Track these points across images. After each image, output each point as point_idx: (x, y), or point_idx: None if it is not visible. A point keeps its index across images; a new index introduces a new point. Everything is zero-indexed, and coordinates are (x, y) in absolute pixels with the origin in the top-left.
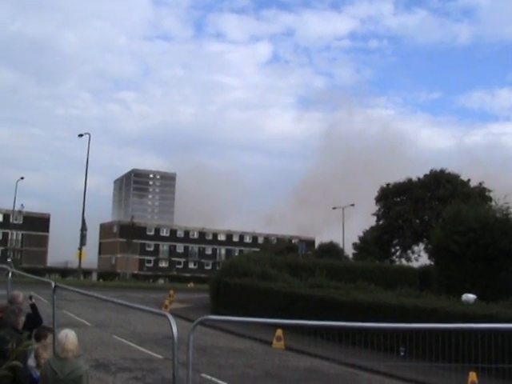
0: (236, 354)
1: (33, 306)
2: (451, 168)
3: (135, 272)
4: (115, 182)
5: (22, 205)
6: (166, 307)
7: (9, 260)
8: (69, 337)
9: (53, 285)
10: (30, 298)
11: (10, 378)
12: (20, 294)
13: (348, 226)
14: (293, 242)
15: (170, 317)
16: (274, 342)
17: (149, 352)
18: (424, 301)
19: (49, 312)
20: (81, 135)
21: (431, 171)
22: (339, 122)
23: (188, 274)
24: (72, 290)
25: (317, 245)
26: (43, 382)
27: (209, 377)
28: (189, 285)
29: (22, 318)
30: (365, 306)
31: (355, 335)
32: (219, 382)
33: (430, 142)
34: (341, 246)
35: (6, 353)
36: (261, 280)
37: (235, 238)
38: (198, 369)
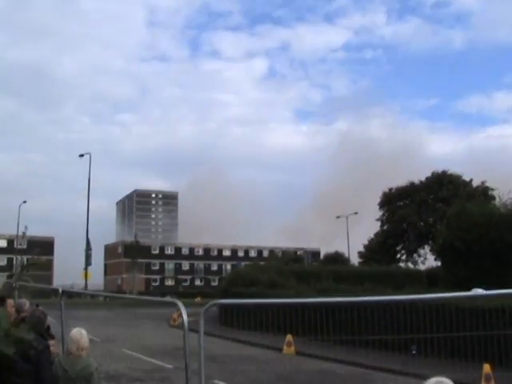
0: (247, 360)
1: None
2: (453, 169)
3: (142, 290)
4: (118, 203)
5: (25, 226)
6: (175, 321)
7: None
8: (83, 334)
9: (60, 290)
10: (37, 305)
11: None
12: (27, 302)
13: (355, 235)
14: (298, 253)
15: (180, 303)
16: (285, 347)
17: (159, 363)
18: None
19: (56, 330)
20: (82, 155)
21: (433, 173)
22: (339, 134)
23: (195, 291)
24: (80, 292)
25: (322, 255)
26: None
27: (222, 383)
28: (196, 299)
29: (47, 323)
30: (374, 307)
31: (363, 335)
32: None
33: (430, 149)
34: (346, 255)
35: (33, 358)
36: (268, 288)
37: (240, 253)
38: (210, 375)
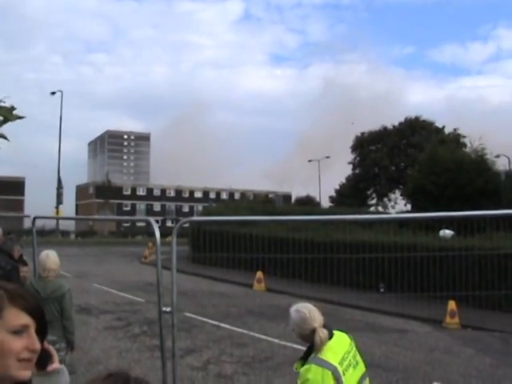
0: (218, 295)
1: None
2: (426, 116)
3: (113, 231)
4: (89, 144)
5: None
6: (146, 258)
7: None
8: (50, 256)
9: (32, 217)
10: (9, 233)
11: None
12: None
13: (329, 179)
14: (269, 196)
15: (153, 221)
16: (255, 284)
17: (130, 296)
18: (402, 237)
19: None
20: (53, 93)
21: (406, 119)
22: (315, 79)
23: (167, 232)
24: (52, 218)
25: (293, 199)
26: None
27: (193, 315)
28: (167, 239)
29: (18, 247)
30: (344, 246)
31: (334, 274)
32: (203, 319)
33: (405, 96)
34: (318, 199)
35: (0, 278)
36: (240, 227)
37: (212, 195)
38: (181, 308)
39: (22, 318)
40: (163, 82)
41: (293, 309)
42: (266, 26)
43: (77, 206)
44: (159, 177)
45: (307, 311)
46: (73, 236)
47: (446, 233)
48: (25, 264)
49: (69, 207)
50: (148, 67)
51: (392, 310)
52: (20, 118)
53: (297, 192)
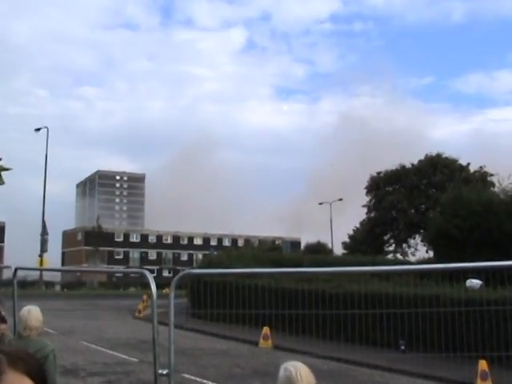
0: (220, 354)
1: None
2: (449, 153)
3: (104, 282)
4: (78, 185)
5: None
6: (140, 312)
7: None
8: (32, 312)
9: (13, 268)
10: None
11: None
12: None
13: (340, 223)
14: (276, 242)
15: (147, 272)
16: (261, 341)
17: (122, 356)
18: (424, 289)
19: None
20: (38, 129)
21: (426, 156)
22: (325, 114)
23: (163, 283)
24: (35, 269)
25: (303, 245)
26: None
27: (192, 377)
28: (164, 290)
29: None
30: (359, 298)
31: (348, 331)
32: (204, 381)
33: (424, 132)
34: (330, 246)
35: None
36: (244, 277)
37: (213, 242)
38: (179, 369)
39: (24, 382)
40: (159, 117)
41: (282, 366)
42: (271, 55)
43: (63, 253)
44: (155, 222)
45: (294, 370)
46: (58, 287)
47: (474, 283)
48: (3, 321)
49: (54, 255)
50: (143, 102)
51: (414, 370)
52: (6, 169)
53: (306, 238)
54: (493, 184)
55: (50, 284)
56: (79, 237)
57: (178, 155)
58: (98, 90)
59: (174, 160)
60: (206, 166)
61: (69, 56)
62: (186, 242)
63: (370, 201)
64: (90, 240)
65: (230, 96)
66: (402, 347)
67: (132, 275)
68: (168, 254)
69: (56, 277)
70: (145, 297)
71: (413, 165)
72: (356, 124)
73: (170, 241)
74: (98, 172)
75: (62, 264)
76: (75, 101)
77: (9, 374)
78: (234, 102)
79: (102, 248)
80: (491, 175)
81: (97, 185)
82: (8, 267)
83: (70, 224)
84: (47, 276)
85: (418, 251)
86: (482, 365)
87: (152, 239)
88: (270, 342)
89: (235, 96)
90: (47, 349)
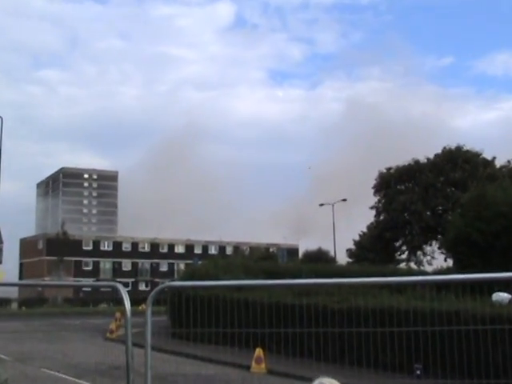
0: (206, 381)
1: None
2: (470, 145)
3: (69, 297)
4: (38, 185)
5: None
6: (112, 332)
7: None
8: None
9: None
10: None
11: None
12: None
13: (344, 228)
14: (271, 250)
15: (120, 286)
16: (253, 364)
17: None
18: (442, 303)
19: None
20: None
21: (444, 149)
22: (324, 101)
23: (139, 297)
24: None
25: (301, 253)
26: None
27: None
28: (140, 307)
29: None
30: (366, 314)
31: (354, 352)
32: None
33: (440, 121)
34: (332, 253)
35: None
36: (233, 291)
37: (197, 250)
38: None
39: None
40: (134, 106)
41: (316, 380)
42: (263, 34)
43: (21, 265)
44: (129, 227)
45: None
46: (15, 305)
47: (501, 296)
48: None
49: (11, 267)
50: (114, 87)
51: None
52: None
53: (305, 245)
54: None
55: (4, 301)
56: (40, 245)
57: (156, 150)
58: (60, 73)
59: (152, 155)
60: (188, 163)
61: (26, 33)
62: (165, 250)
63: (379, 201)
64: (53, 249)
65: (216, 81)
66: (418, 372)
67: (103, 289)
68: (145, 264)
69: (12, 293)
70: (118, 314)
71: (428, 159)
72: (362, 113)
73: (147, 249)
74: (62, 169)
75: (20, 277)
76: (34, 86)
77: None
78: (220, 87)
79: (67, 258)
80: None
81: (61, 184)
82: None
83: (30, 230)
84: (2, 291)
85: (435, 259)
86: None
87: (126, 247)
88: (263, 365)
89: (222, 81)
90: (0, 378)
